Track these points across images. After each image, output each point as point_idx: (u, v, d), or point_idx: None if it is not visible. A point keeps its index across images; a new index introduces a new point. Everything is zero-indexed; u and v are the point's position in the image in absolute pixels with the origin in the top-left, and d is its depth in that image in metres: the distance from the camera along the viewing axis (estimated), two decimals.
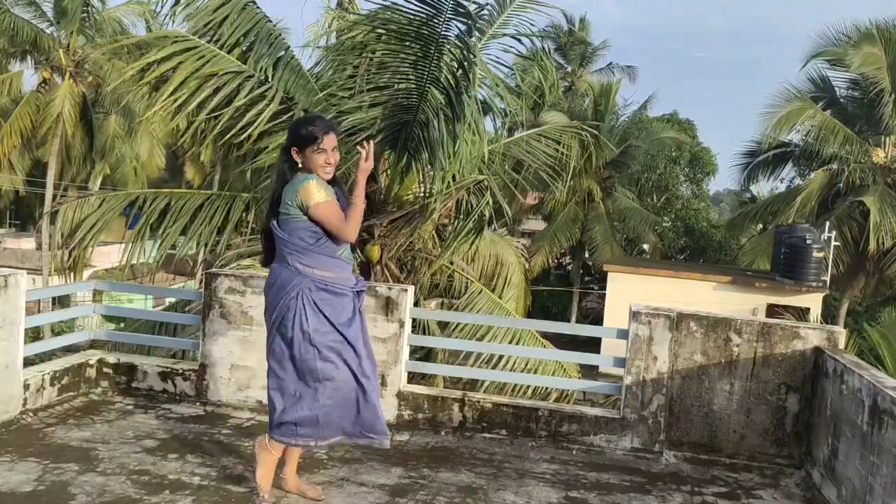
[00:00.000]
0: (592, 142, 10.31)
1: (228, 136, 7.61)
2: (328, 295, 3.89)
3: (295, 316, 3.83)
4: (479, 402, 5.40)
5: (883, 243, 20.07)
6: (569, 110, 28.15)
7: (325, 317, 3.86)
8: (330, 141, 3.87)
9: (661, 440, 5.18)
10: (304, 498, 4.09)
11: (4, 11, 22.43)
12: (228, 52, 7.68)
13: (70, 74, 23.65)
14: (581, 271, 31.73)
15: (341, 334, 3.88)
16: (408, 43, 7.20)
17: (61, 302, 21.81)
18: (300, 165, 3.89)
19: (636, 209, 29.80)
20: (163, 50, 7.39)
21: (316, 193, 3.81)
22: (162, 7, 7.62)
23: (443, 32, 6.65)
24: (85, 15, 23.20)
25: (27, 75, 25.64)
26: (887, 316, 12.42)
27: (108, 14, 24.59)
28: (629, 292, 18.27)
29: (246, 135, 7.53)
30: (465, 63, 6.68)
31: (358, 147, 3.98)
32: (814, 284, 20.06)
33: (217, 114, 7.57)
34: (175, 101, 7.43)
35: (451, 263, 9.18)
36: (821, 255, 19.87)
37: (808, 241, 19.69)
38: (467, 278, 9.38)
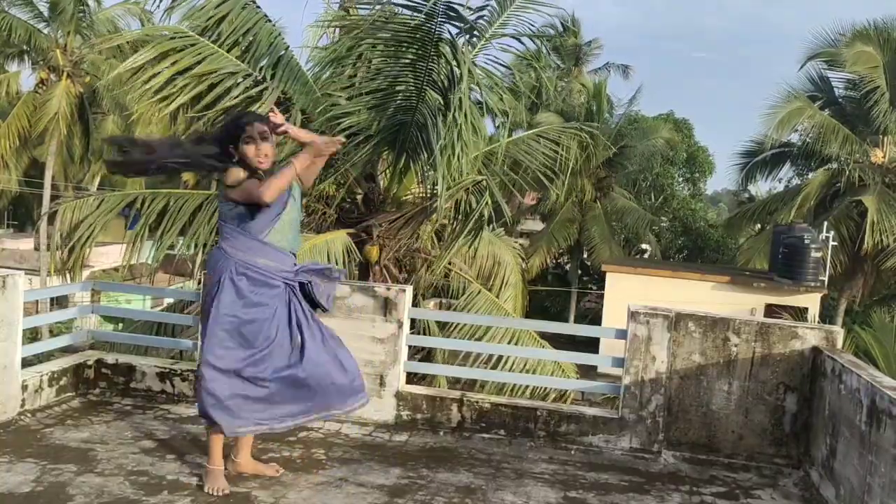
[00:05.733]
0: (591, 143, 10.30)
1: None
2: (247, 282, 3.99)
3: (216, 296, 4.01)
4: (477, 402, 5.40)
5: (881, 242, 20.09)
6: (562, 111, 28.14)
7: (241, 300, 3.99)
8: (257, 129, 3.99)
9: (659, 440, 5.18)
10: (264, 476, 4.28)
11: (0, 11, 22.44)
12: (228, 52, 7.68)
13: (67, 74, 23.63)
14: (579, 271, 31.74)
15: (248, 323, 3.99)
16: (404, 46, 7.21)
17: (60, 302, 21.78)
18: (235, 160, 4.02)
19: (633, 209, 29.81)
20: (159, 45, 7.38)
21: (235, 175, 3.98)
22: (159, 4, 7.62)
23: (437, 35, 6.67)
24: (82, 14, 23.19)
25: (25, 76, 25.65)
26: (877, 317, 12.47)
27: (103, 14, 24.57)
28: (627, 292, 18.27)
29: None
30: (458, 64, 6.68)
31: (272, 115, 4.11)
32: (812, 284, 20.08)
33: (213, 113, 7.56)
34: (171, 98, 7.42)
35: (451, 264, 9.18)
36: (819, 255, 19.89)
37: (806, 241, 19.71)
38: (466, 279, 9.39)
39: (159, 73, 7.41)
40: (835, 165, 22.19)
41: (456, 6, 6.43)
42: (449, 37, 6.69)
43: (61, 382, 5.53)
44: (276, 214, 4.03)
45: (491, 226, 9.55)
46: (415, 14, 6.65)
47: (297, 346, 4.08)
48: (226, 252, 4.04)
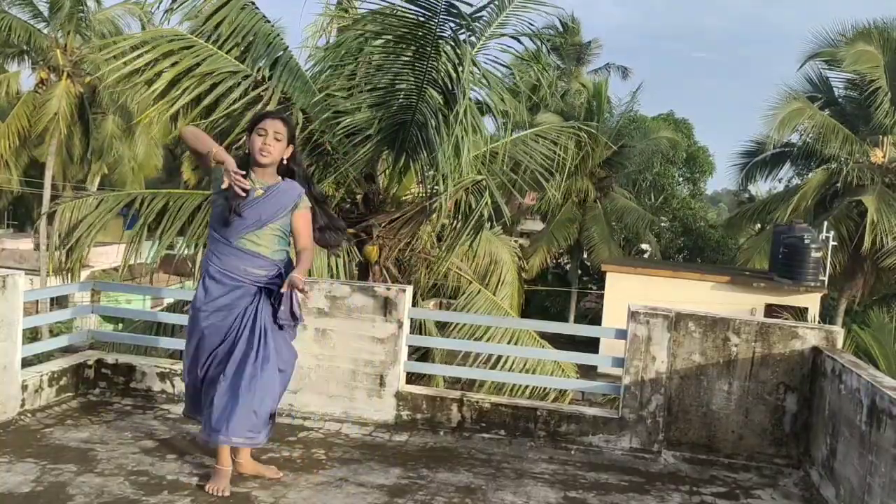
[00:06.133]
0: (589, 142, 10.35)
1: (226, 136, 7.61)
2: (216, 284, 4.03)
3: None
4: (477, 402, 5.40)
5: (881, 242, 20.09)
6: (562, 111, 28.16)
7: (208, 301, 4.03)
8: (273, 125, 4.01)
9: (659, 440, 5.18)
10: (263, 477, 4.26)
11: (0, 11, 22.45)
12: (227, 53, 7.68)
13: (67, 74, 23.63)
14: (579, 271, 31.75)
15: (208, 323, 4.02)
16: (404, 44, 7.21)
17: (59, 302, 21.77)
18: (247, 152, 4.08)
19: (633, 208, 29.82)
20: (159, 48, 7.38)
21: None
22: (159, 5, 7.62)
23: (438, 33, 6.66)
24: (81, 14, 23.20)
25: (25, 76, 25.67)
26: (875, 317, 12.48)
27: (102, 14, 24.58)
28: (628, 292, 18.28)
29: (243, 135, 7.52)
30: (458, 63, 6.69)
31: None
32: (812, 284, 20.09)
33: (214, 114, 7.56)
34: (171, 100, 7.42)
35: (457, 268, 9.19)
36: (819, 255, 19.90)
37: (806, 241, 19.73)
38: (466, 278, 9.39)
39: (160, 74, 7.40)
40: (834, 165, 22.18)
41: (457, 3, 6.41)
42: (450, 34, 6.69)
43: (61, 382, 5.52)
44: (248, 226, 3.99)
45: (489, 224, 9.56)
46: (416, 10, 6.63)
47: (233, 358, 3.99)
48: (207, 255, 4.12)
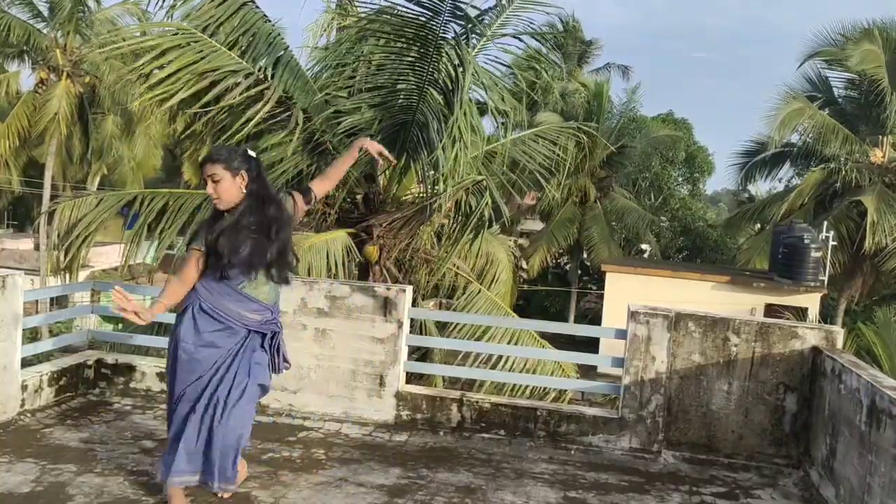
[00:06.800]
0: (588, 142, 10.36)
1: (226, 134, 7.60)
2: (206, 319, 3.84)
3: (177, 324, 3.90)
4: (477, 402, 5.40)
5: (882, 243, 20.08)
6: (562, 111, 28.15)
7: (196, 336, 3.83)
8: (208, 170, 3.82)
9: (659, 440, 5.18)
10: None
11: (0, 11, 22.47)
12: (228, 50, 7.67)
13: (67, 74, 23.63)
14: (579, 271, 31.74)
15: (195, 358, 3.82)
16: (406, 44, 7.21)
17: (59, 302, 21.76)
18: None
19: (633, 208, 29.81)
20: (161, 40, 7.37)
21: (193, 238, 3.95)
22: (161, 4, 7.61)
23: (441, 34, 6.66)
24: (81, 14, 23.21)
25: (25, 76, 25.66)
26: (882, 315, 12.44)
27: (102, 14, 24.59)
28: (627, 292, 18.27)
29: (244, 133, 7.52)
30: (460, 65, 6.69)
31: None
32: (812, 284, 20.07)
33: (214, 111, 7.56)
34: (171, 95, 7.41)
35: (455, 266, 9.18)
36: (819, 255, 19.89)
37: (806, 241, 19.71)
38: (466, 278, 9.39)
39: (162, 67, 7.39)
40: (832, 165, 22.16)
41: (462, 4, 6.41)
42: (453, 36, 6.68)
43: (61, 382, 5.52)
44: (249, 277, 3.86)
45: (489, 223, 9.57)
46: (419, 10, 6.63)
47: (212, 399, 3.80)
48: (198, 288, 3.88)
